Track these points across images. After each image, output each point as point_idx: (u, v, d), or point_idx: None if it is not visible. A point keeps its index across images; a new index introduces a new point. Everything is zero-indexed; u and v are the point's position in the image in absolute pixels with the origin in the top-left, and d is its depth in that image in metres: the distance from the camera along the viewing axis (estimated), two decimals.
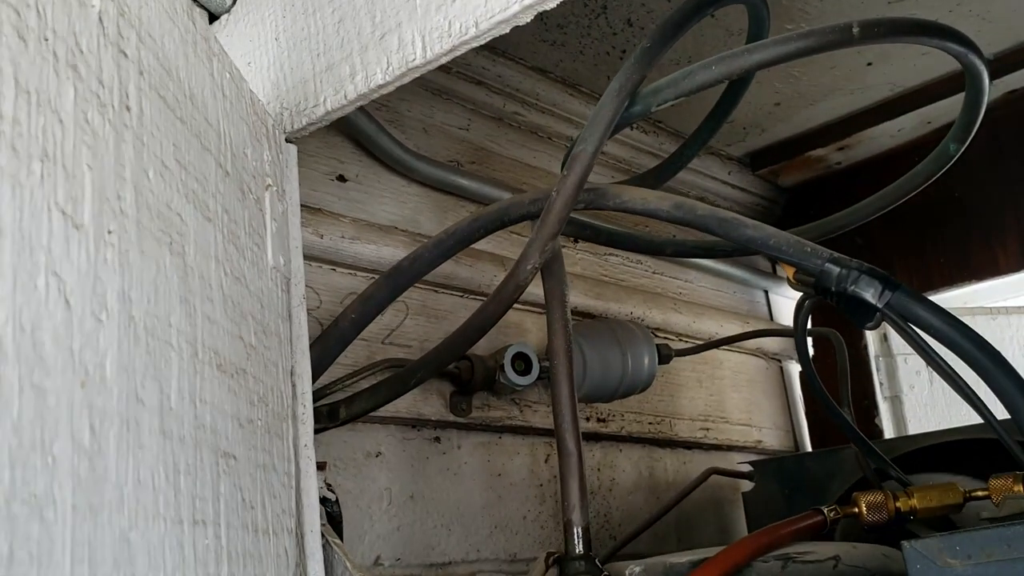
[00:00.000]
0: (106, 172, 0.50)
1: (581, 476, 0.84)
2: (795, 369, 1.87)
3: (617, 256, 1.57)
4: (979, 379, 0.83)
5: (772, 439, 1.73)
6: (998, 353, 0.86)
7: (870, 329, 0.91)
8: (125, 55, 0.54)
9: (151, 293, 0.54)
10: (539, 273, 0.95)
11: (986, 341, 0.86)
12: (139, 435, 0.51)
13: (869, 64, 1.51)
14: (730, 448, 1.65)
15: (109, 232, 0.50)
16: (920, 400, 1.76)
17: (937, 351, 0.90)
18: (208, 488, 0.59)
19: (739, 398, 1.70)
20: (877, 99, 1.63)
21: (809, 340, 1.75)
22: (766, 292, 1.89)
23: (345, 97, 0.85)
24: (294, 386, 0.83)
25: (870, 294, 0.87)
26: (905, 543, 0.70)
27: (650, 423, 1.49)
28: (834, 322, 1.48)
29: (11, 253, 0.40)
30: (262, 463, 0.71)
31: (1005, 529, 0.67)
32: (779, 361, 1.84)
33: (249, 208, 0.75)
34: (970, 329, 0.88)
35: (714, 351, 1.67)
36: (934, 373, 1.75)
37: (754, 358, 1.78)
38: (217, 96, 0.71)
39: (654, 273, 1.64)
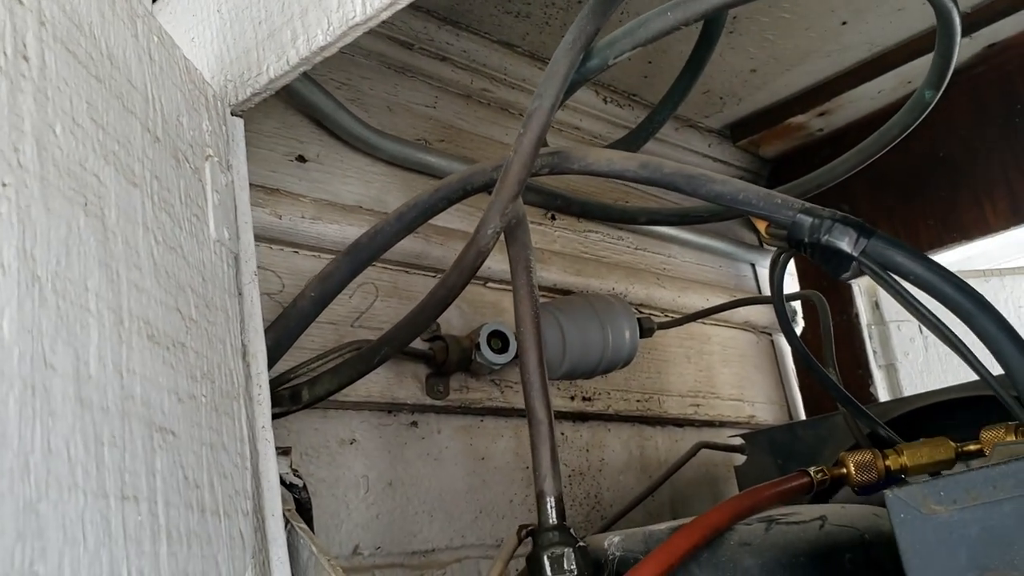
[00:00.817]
0: None
1: (552, 445, 0.81)
2: (786, 343, 1.83)
3: (597, 233, 1.53)
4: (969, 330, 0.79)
5: (766, 414, 1.70)
6: (981, 297, 0.82)
7: (847, 280, 0.88)
8: (20, 2, 0.51)
9: (61, 254, 0.51)
10: (504, 242, 0.92)
11: (968, 285, 0.83)
12: (48, 401, 0.47)
13: (844, 23, 1.47)
14: (723, 424, 1.61)
15: (3, 184, 0.47)
16: (916, 367, 1.72)
17: (920, 299, 0.86)
18: (140, 462, 0.56)
19: (730, 373, 1.66)
20: (855, 60, 1.59)
21: (798, 305, 1.72)
22: (753, 266, 1.85)
23: (288, 63, 0.82)
24: (248, 365, 0.79)
25: (845, 243, 0.83)
26: (887, 492, 0.66)
27: (638, 400, 1.46)
28: (821, 288, 1.44)
29: None
30: (208, 441, 0.67)
31: (990, 470, 0.63)
32: (770, 335, 1.80)
33: (185, 177, 0.72)
34: (951, 274, 0.84)
35: (702, 326, 1.64)
36: (929, 339, 1.71)
37: (744, 332, 1.74)
38: (143, 59, 0.68)
39: (636, 249, 1.60)
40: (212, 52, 0.88)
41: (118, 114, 0.62)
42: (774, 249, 1.91)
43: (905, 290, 0.84)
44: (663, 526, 0.84)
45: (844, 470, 0.94)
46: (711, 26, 1.11)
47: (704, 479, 1.54)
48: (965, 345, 0.84)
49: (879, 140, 1.13)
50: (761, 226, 0.90)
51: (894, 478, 0.96)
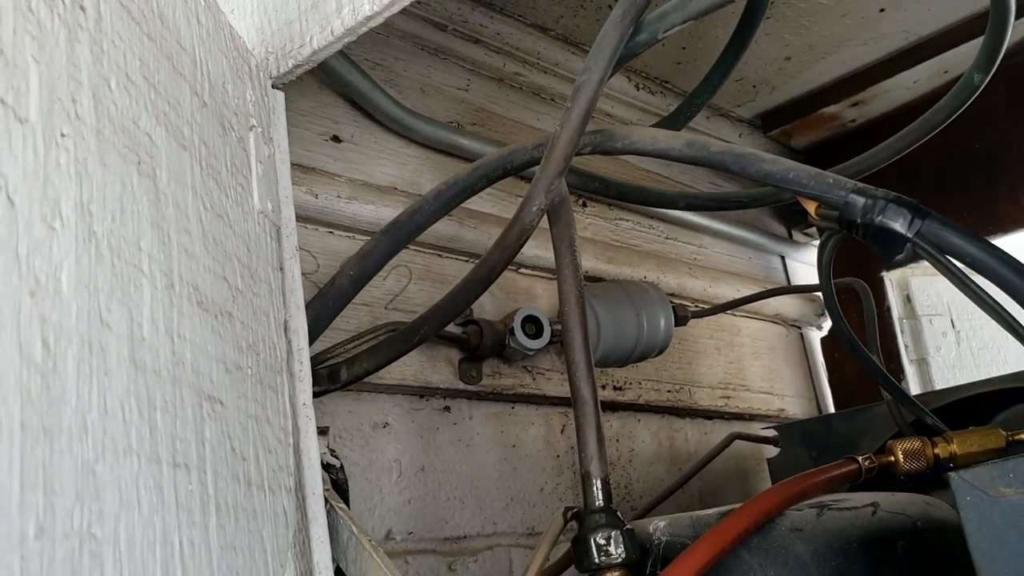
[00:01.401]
0: (56, 70, 0.45)
1: (598, 425, 0.79)
2: (816, 336, 1.81)
3: (628, 221, 1.51)
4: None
5: (795, 407, 1.67)
6: None
7: (900, 263, 0.86)
8: None
9: (116, 211, 0.49)
10: (546, 225, 0.90)
11: None
12: (105, 360, 0.46)
13: (882, 10, 1.45)
14: (752, 417, 1.59)
15: (62, 135, 0.45)
16: (947, 362, 1.70)
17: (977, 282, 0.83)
18: (191, 430, 0.55)
19: (759, 366, 1.64)
20: (892, 49, 1.57)
21: None
22: (782, 258, 1.83)
23: (332, 33, 0.80)
24: (289, 341, 0.78)
25: (899, 223, 0.81)
26: (952, 474, 0.64)
27: (668, 391, 1.44)
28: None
29: None
30: (254, 414, 0.66)
31: None
32: (799, 328, 1.78)
33: (231, 145, 0.70)
34: (1009, 256, 0.81)
35: (732, 317, 1.61)
36: (962, 334, 1.69)
37: (773, 325, 1.72)
38: (191, 22, 0.66)
39: (667, 238, 1.58)
40: (252, 23, 0.86)
41: (168, 75, 0.60)
42: (804, 240, 1.89)
43: (962, 272, 0.82)
44: (711, 511, 0.82)
45: (892, 458, 0.92)
46: (755, 3, 1.09)
47: (734, 472, 1.52)
48: None
49: (925, 125, 1.11)
50: (811, 207, 0.87)
51: (943, 467, 0.93)
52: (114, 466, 0.45)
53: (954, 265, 0.81)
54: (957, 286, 0.81)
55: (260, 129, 0.77)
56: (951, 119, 1.09)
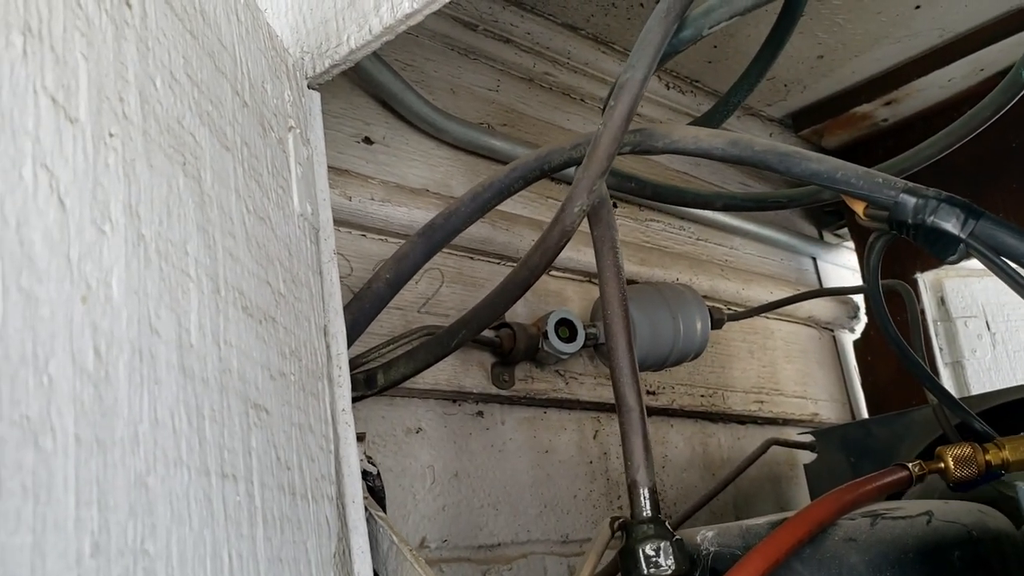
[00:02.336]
0: (104, 67, 0.44)
1: (644, 433, 0.77)
2: (848, 339, 1.78)
3: (659, 222, 1.49)
4: None
5: (829, 412, 1.65)
6: None
7: (952, 263, 0.83)
8: None
9: (163, 213, 0.48)
10: (586, 224, 0.88)
11: None
12: (155, 369, 0.44)
13: (917, 7, 1.42)
14: (786, 422, 1.56)
15: (111, 135, 0.43)
16: (983, 365, 1.66)
17: None
18: (238, 440, 0.53)
19: (793, 369, 1.61)
20: (925, 47, 1.54)
21: (860, 300, 1.67)
22: (814, 259, 1.80)
23: (370, 32, 0.78)
24: (328, 346, 0.76)
25: (951, 224, 0.79)
26: (1020, 483, 0.62)
27: (702, 395, 1.41)
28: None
29: None
30: (297, 422, 0.64)
31: None
32: (831, 331, 1.75)
33: (271, 146, 0.69)
34: None
35: (765, 320, 1.59)
36: (997, 336, 1.65)
37: (806, 328, 1.69)
38: (231, 19, 0.65)
39: (698, 240, 1.56)
40: (287, 22, 0.85)
41: (210, 73, 0.59)
42: (835, 242, 1.86)
43: (1016, 273, 0.80)
44: (761, 520, 0.79)
45: (942, 464, 0.90)
46: (794, 0, 1.06)
47: (768, 478, 1.49)
48: None
49: (969, 122, 1.08)
50: (858, 208, 0.85)
51: (993, 474, 0.91)
52: (165, 478, 0.43)
53: (1009, 266, 0.79)
54: (1012, 287, 0.79)
55: (298, 130, 0.76)
56: (996, 117, 1.06)
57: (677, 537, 0.73)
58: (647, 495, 0.75)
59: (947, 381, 1.66)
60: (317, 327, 0.73)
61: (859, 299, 1.72)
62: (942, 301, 1.70)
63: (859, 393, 1.72)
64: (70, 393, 0.37)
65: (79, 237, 0.39)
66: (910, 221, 0.80)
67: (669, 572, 0.71)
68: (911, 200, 0.80)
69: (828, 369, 1.70)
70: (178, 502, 0.44)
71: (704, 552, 0.79)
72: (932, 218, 0.79)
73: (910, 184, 0.81)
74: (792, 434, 1.43)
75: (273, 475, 0.58)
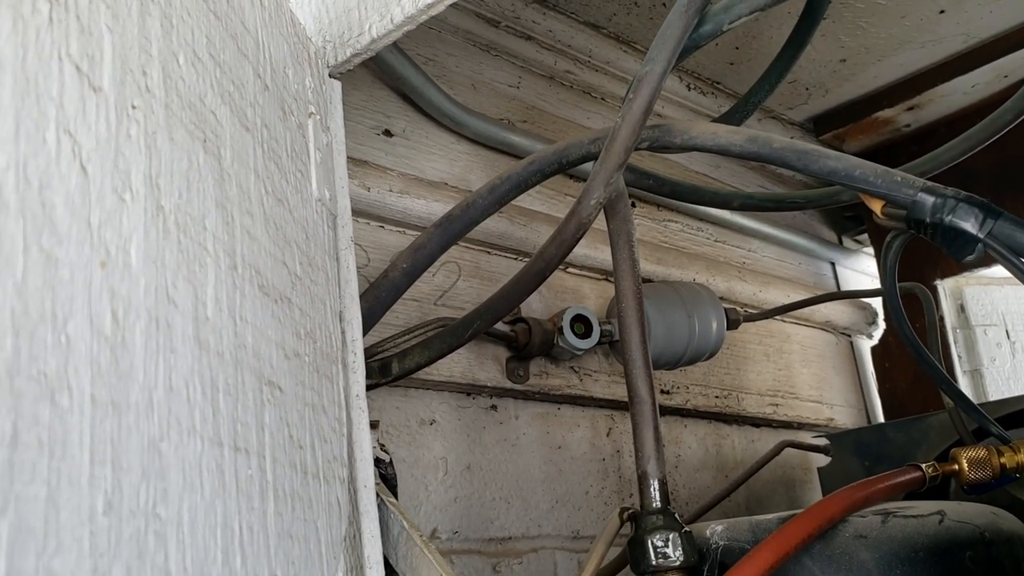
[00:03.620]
0: (128, 40, 0.45)
1: (656, 425, 0.77)
2: (866, 345, 1.77)
3: (677, 223, 1.49)
4: None
5: (844, 417, 1.64)
6: None
7: (971, 264, 0.83)
8: None
9: (183, 187, 0.49)
10: (603, 220, 0.88)
11: None
12: (171, 338, 0.45)
13: (942, 12, 1.42)
14: (800, 426, 1.56)
15: (133, 107, 0.44)
16: (1002, 373, 1.65)
17: None
18: (251, 414, 0.53)
19: (808, 373, 1.61)
20: (950, 52, 1.53)
21: (878, 304, 1.66)
22: (832, 264, 1.79)
23: (392, 21, 0.79)
24: (343, 332, 0.77)
25: (970, 224, 0.78)
26: None
27: (716, 396, 1.41)
28: (902, 290, 1.38)
29: (12, 93, 0.35)
30: (311, 402, 0.65)
31: None
32: (849, 336, 1.74)
33: (291, 130, 0.70)
34: None
35: (781, 324, 1.59)
36: (1017, 344, 1.64)
37: (823, 332, 1.68)
38: (255, 4, 0.66)
39: (716, 241, 1.56)
40: (310, 11, 0.86)
41: (233, 55, 0.59)
42: (855, 247, 1.85)
43: None
44: (771, 516, 0.79)
45: (956, 466, 0.90)
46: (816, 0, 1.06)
47: (781, 481, 1.49)
48: None
49: (990, 126, 1.07)
50: (876, 207, 0.85)
51: (1008, 477, 0.90)
52: (179, 446, 0.44)
53: None
54: None
55: (318, 117, 0.77)
56: (1016, 121, 1.06)
57: (686, 529, 0.73)
58: (657, 486, 0.75)
59: (965, 389, 1.65)
60: (333, 311, 0.73)
61: (877, 305, 1.72)
62: (962, 309, 1.69)
63: (876, 399, 1.72)
64: (87, 354, 0.37)
65: (100, 203, 0.40)
66: (928, 220, 0.80)
67: (677, 563, 0.71)
68: (929, 199, 0.80)
69: (845, 374, 1.69)
70: (191, 470, 0.45)
71: (713, 546, 0.79)
72: (950, 217, 0.79)
73: (928, 183, 0.81)
74: (807, 438, 1.43)
75: (285, 452, 0.59)
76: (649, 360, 0.81)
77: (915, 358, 0.96)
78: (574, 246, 0.85)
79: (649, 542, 0.72)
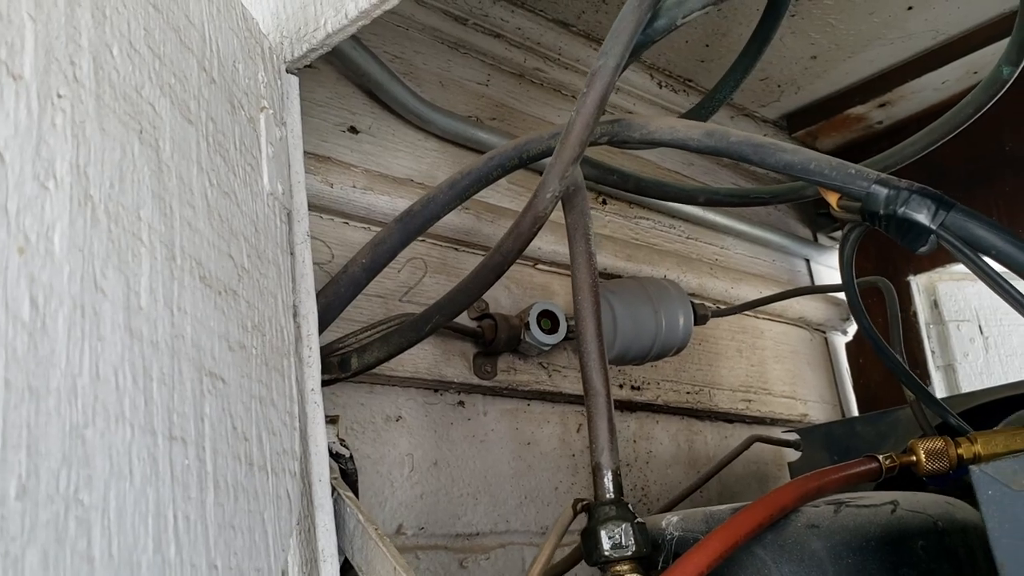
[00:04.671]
0: (54, 30, 0.45)
1: (610, 416, 0.77)
2: (841, 341, 1.78)
3: (649, 220, 1.50)
4: None
5: (819, 413, 1.65)
6: None
7: (924, 254, 0.83)
8: None
9: (115, 177, 0.49)
10: (562, 217, 0.89)
11: None
12: (98, 325, 0.45)
13: (910, 8, 1.42)
14: (774, 422, 1.56)
15: (59, 96, 0.44)
16: (975, 369, 1.66)
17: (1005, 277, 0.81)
18: (189, 405, 0.54)
19: (782, 369, 1.61)
20: (920, 49, 1.54)
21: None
22: (807, 261, 1.80)
23: (346, 16, 0.79)
24: (299, 326, 0.77)
25: (923, 215, 0.79)
26: (973, 467, 0.62)
27: (688, 392, 1.42)
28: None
29: None
30: (258, 395, 0.65)
31: None
32: (823, 332, 1.75)
33: (240, 124, 0.70)
34: None
35: (755, 320, 1.59)
36: (990, 340, 1.65)
37: (797, 328, 1.69)
38: None
39: (688, 238, 1.56)
40: (268, 8, 0.86)
41: (175, 47, 0.60)
42: (829, 244, 1.86)
43: (988, 266, 0.80)
44: (725, 507, 0.80)
45: (913, 457, 0.90)
46: None
47: (754, 476, 1.49)
48: None
49: (952, 120, 1.08)
50: (832, 199, 0.85)
51: (965, 468, 0.91)
52: (105, 432, 0.44)
53: (980, 258, 0.79)
54: (982, 279, 0.79)
55: (272, 111, 0.77)
56: (979, 114, 1.06)
57: (639, 520, 0.74)
58: (611, 477, 0.75)
59: (939, 384, 1.66)
60: (285, 305, 0.74)
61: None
62: (935, 304, 1.70)
63: (851, 395, 1.72)
64: (1, 338, 0.37)
65: (18, 190, 0.40)
66: (882, 212, 0.81)
67: (629, 554, 0.72)
68: (883, 191, 0.80)
69: (819, 371, 1.70)
70: (119, 457, 0.45)
71: (669, 537, 0.79)
72: (903, 209, 0.79)
73: (882, 175, 0.82)
74: (780, 434, 1.43)
75: (228, 443, 0.59)
76: (604, 352, 0.81)
77: (875, 351, 0.96)
78: (531, 239, 0.85)
79: (602, 533, 0.73)
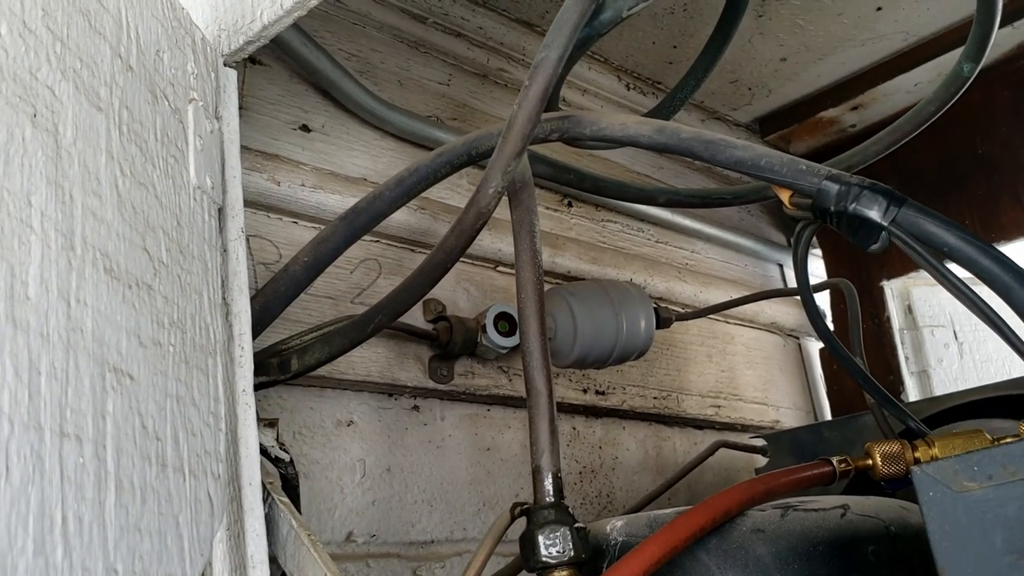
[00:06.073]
0: None
1: (551, 417, 0.75)
2: (814, 347, 1.76)
3: (616, 223, 1.48)
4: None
5: (791, 419, 1.62)
6: (1021, 270, 0.75)
7: (876, 252, 0.81)
8: None
9: (0, 160, 0.46)
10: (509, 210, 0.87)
11: (1007, 257, 0.76)
12: None
13: (879, 9, 1.41)
14: (745, 428, 1.54)
15: None
16: (949, 375, 1.64)
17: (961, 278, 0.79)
18: (87, 401, 0.51)
19: (753, 375, 1.59)
20: (891, 51, 1.53)
21: (827, 304, 1.65)
22: (780, 266, 1.78)
23: (282, 7, 0.78)
24: (230, 325, 0.75)
25: (874, 211, 0.77)
26: (914, 468, 0.60)
27: (655, 397, 1.39)
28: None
29: None
30: (174, 393, 0.62)
31: None
32: (797, 338, 1.73)
33: (163, 115, 0.67)
34: (988, 245, 0.77)
35: (725, 325, 1.57)
36: (964, 346, 1.63)
37: (769, 334, 1.67)
38: None
39: (657, 242, 1.54)
40: (206, 1, 0.84)
41: (82, 31, 0.57)
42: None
43: (940, 264, 0.78)
44: (669, 511, 0.77)
45: (869, 461, 0.88)
46: None
47: (723, 484, 1.47)
48: (1008, 326, 0.77)
49: (914, 119, 1.06)
50: (784, 196, 0.83)
51: None
52: None
53: (931, 255, 0.77)
54: (933, 275, 0.77)
55: (202, 104, 0.75)
56: (941, 112, 1.05)
57: (579, 524, 0.71)
58: (551, 481, 0.73)
59: (913, 390, 1.64)
60: (212, 303, 0.71)
61: (825, 306, 1.70)
62: (909, 310, 1.68)
63: (824, 401, 1.70)
64: None
65: None
66: (833, 209, 0.79)
67: (567, 559, 0.69)
68: (834, 187, 0.79)
69: (792, 376, 1.67)
70: None
71: (612, 542, 0.77)
72: (854, 205, 0.78)
73: (833, 171, 0.80)
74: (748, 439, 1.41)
75: (135, 443, 0.56)
76: (548, 351, 0.79)
77: (831, 353, 0.94)
78: (475, 236, 0.83)
79: (539, 537, 0.70)
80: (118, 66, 0.62)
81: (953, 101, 1.03)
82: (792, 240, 0.92)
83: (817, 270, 1.82)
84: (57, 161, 0.52)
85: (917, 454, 0.88)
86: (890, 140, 1.09)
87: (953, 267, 0.76)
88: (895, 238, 0.76)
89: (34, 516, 0.45)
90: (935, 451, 0.88)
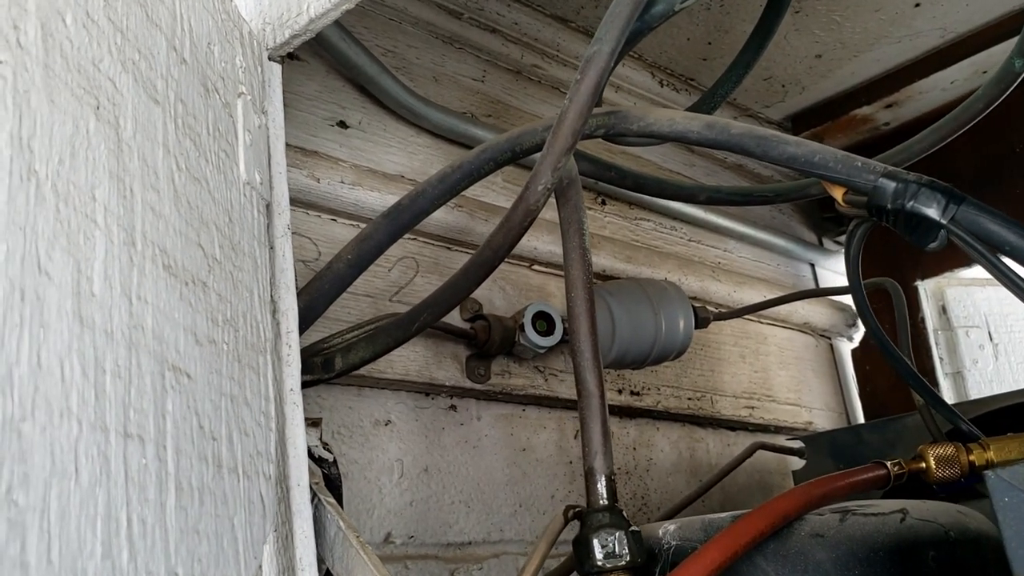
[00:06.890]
0: None
1: (604, 419, 0.74)
2: (846, 347, 1.74)
3: (649, 221, 1.46)
4: None
5: (824, 420, 1.60)
6: None
7: (934, 250, 0.79)
8: None
9: (65, 154, 0.45)
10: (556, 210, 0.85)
11: None
12: (41, 311, 0.41)
13: (917, 5, 1.39)
14: (778, 429, 1.52)
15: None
16: (984, 376, 1.62)
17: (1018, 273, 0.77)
18: (148, 400, 0.50)
19: (786, 376, 1.57)
20: (927, 48, 1.51)
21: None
22: (812, 266, 1.76)
23: (330, 0, 0.76)
24: (278, 323, 0.73)
25: (933, 209, 0.76)
26: (988, 472, 0.58)
27: (689, 399, 1.38)
28: (883, 291, 1.35)
29: None
30: (228, 392, 0.61)
31: None
32: (829, 338, 1.71)
33: (215, 109, 0.66)
34: None
35: (758, 325, 1.55)
36: (1000, 347, 1.61)
37: (802, 334, 1.65)
38: None
39: (690, 240, 1.52)
40: None
41: (140, 22, 0.56)
42: (835, 248, 1.82)
43: (1001, 263, 0.76)
44: (725, 515, 0.76)
45: (923, 464, 0.86)
46: None
47: (757, 486, 1.45)
48: None
49: (961, 115, 1.04)
50: (837, 193, 0.82)
51: (977, 476, 0.87)
52: (46, 427, 0.41)
53: (991, 253, 0.75)
54: (994, 274, 0.75)
55: (250, 98, 0.73)
56: (989, 109, 1.03)
57: (634, 528, 0.70)
58: (604, 483, 0.72)
59: (947, 392, 1.62)
60: (262, 300, 0.70)
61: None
62: (943, 310, 1.66)
63: (856, 403, 1.68)
64: None
65: None
66: (889, 206, 0.77)
67: (623, 563, 0.68)
68: (891, 184, 0.77)
69: (824, 377, 1.66)
70: (63, 454, 0.41)
71: (666, 546, 0.75)
72: (912, 203, 0.76)
73: (890, 168, 0.79)
74: (784, 441, 1.39)
75: (193, 443, 0.55)
76: (599, 351, 0.77)
77: (882, 353, 0.92)
78: (522, 234, 0.82)
79: (594, 541, 0.69)
80: (173, 58, 0.60)
81: (1003, 98, 1.01)
82: (845, 238, 0.91)
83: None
84: (119, 155, 0.51)
85: (972, 457, 0.86)
86: (936, 138, 1.07)
87: (1013, 265, 0.74)
88: (954, 236, 0.75)
89: (102, 518, 0.44)
90: (991, 454, 0.86)
